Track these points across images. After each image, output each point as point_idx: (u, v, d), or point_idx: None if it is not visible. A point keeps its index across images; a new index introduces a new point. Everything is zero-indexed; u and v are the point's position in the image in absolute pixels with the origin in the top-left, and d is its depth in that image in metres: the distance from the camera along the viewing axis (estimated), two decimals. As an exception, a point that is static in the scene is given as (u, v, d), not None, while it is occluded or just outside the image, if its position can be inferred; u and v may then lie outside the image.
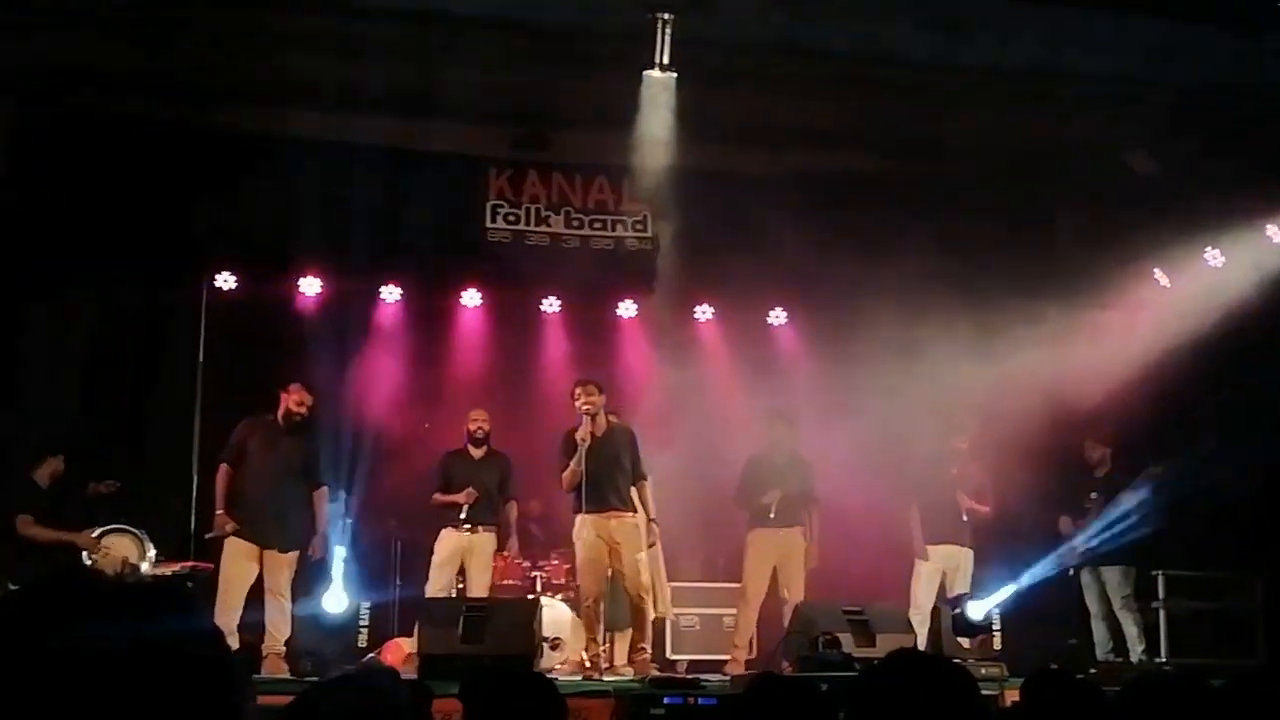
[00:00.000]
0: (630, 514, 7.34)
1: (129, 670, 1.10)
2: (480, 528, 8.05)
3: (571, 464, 7.21)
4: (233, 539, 7.49)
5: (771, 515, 8.27)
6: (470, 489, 7.97)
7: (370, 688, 1.95)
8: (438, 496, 8.10)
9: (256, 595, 7.48)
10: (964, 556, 8.44)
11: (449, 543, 8.02)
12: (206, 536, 7.65)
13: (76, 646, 1.09)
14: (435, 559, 8.03)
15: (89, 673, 1.08)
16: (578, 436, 7.21)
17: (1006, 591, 8.05)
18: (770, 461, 8.46)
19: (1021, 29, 7.63)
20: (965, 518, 8.39)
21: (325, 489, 7.80)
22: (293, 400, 7.65)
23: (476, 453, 8.23)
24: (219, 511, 7.53)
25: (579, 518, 7.29)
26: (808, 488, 8.46)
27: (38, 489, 7.58)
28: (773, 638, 8.14)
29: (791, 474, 8.41)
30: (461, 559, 8.03)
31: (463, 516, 7.94)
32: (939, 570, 8.43)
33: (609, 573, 7.35)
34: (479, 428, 8.21)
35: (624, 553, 7.24)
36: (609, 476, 7.25)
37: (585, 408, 7.28)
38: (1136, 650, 8.17)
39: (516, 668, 6.13)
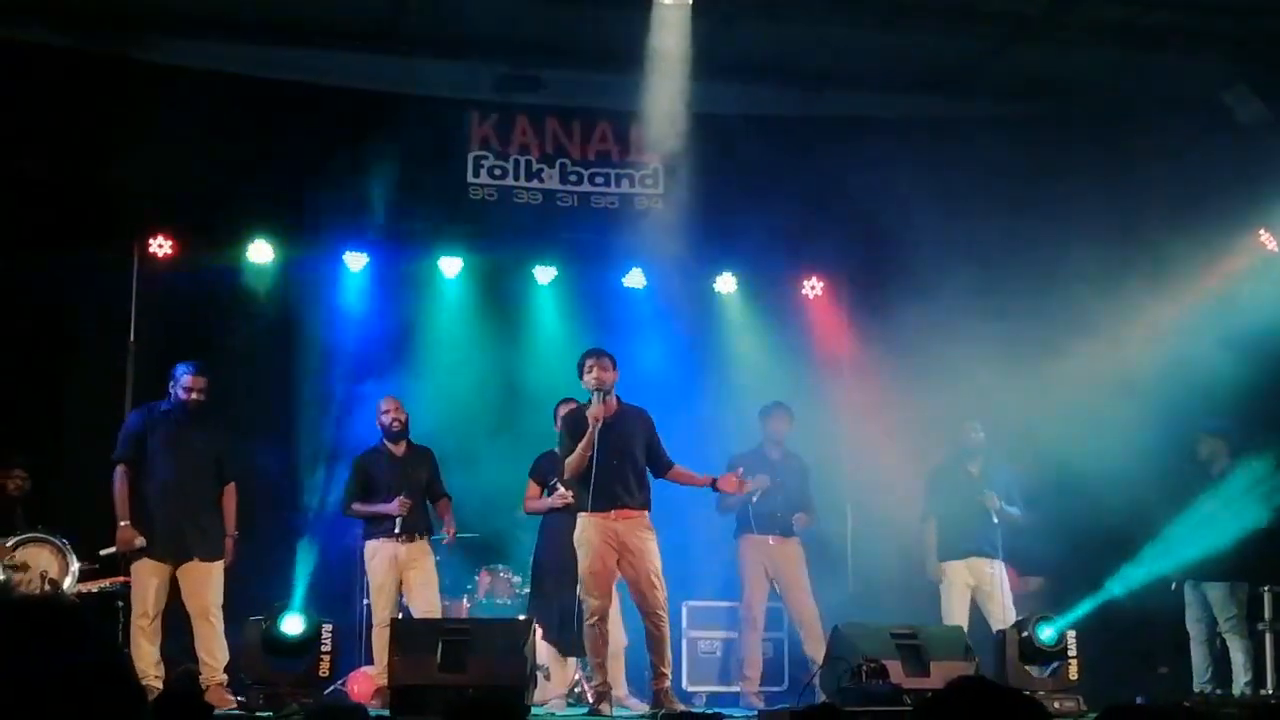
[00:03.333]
0: (641, 512, 7.23)
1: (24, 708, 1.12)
2: (417, 535, 7.96)
3: (579, 448, 7.04)
4: (142, 559, 7.37)
5: (753, 500, 8.18)
6: (402, 497, 7.88)
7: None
8: (357, 506, 8.01)
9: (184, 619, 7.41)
10: (995, 569, 8.33)
11: (382, 557, 7.91)
12: (103, 553, 7.51)
13: None
14: (373, 581, 7.93)
15: None
16: (590, 414, 7.10)
17: (1082, 610, 7.93)
18: (761, 459, 8.36)
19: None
20: (995, 520, 8.28)
21: (234, 486, 7.69)
22: (180, 388, 7.51)
23: (397, 449, 8.10)
24: (123, 523, 7.41)
25: (581, 517, 7.14)
26: (804, 493, 8.35)
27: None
28: (803, 663, 8.11)
29: (786, 475, 8.31)
30: (399, 574, 7.93)
31: (397, 530, 7.87)
32: (966, 587, 8.35)
33: (615, 583, 7.24)
34: (394, 419, 8.10)
35: (635, 560, 7.12)
36: (618, 468, 7.08)
37: (594, 383, 7.17)
38: (1241, 681, 8.05)
39: (506, 701, 6.05)
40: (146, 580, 7.35)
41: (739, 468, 7.65)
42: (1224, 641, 8.22)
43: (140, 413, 7.71)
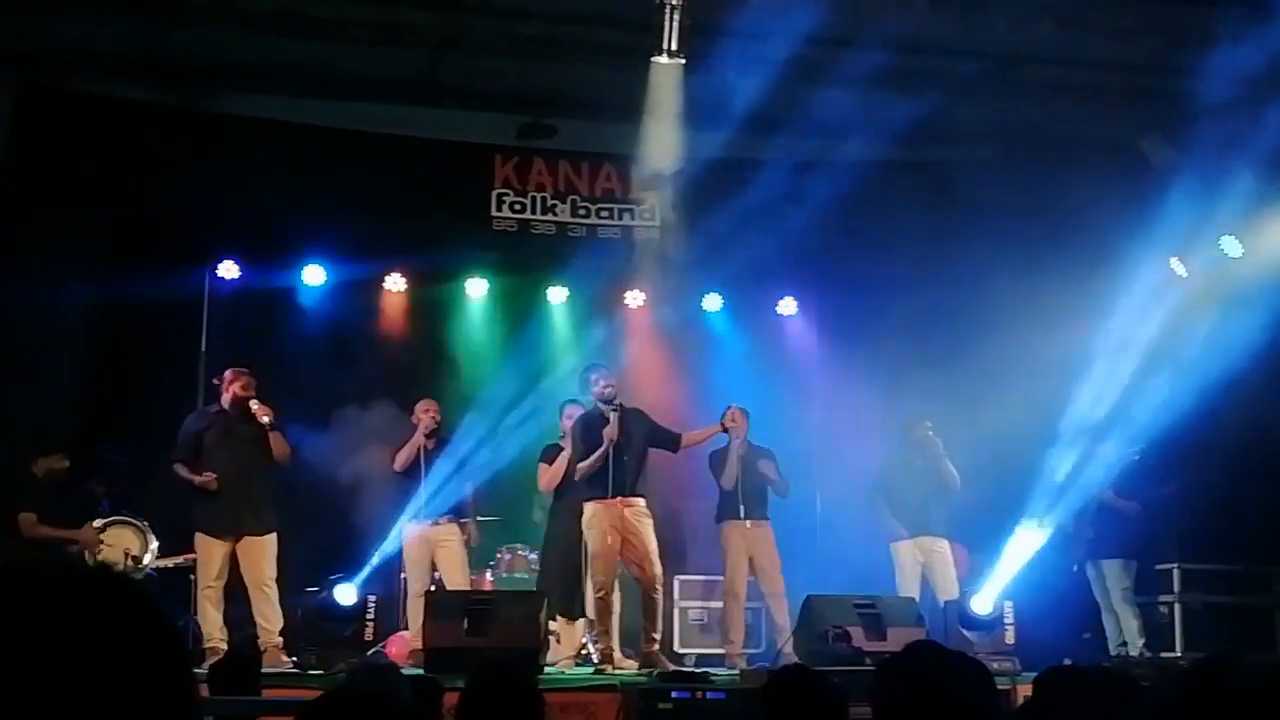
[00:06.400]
0: (642, 500, 7.32)
1: (76, 670, 1.04)
2: (442, 519, 7.96)
3: (593, 458, 7.15)
4: (202, 536, 7.43)
5: (738, 440, 8.16)
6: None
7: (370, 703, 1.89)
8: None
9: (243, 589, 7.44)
10: (939, 547, 8.35)
11: (414, 539, 7.92)
12: (197, 481, 7.42)
13: (16, 645, 1.03)
14: (409, 558, 7.96)
15: (30, 672, 1.03)
16: (606, 434, 7.13)
17: (1004, 580, 7.98)
18: (731, 455, 8.40)
19: (1038, 13, 7.60)
20: (946, 489, 8.31)
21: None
22: (237, 386, 7.53)
23: (429, 443, 8.10)
24: (197, 479, 7.40)
25: (589, 505, 7.24)
26: (772, 477, 8.42)
27: (38, 485, 7.57)
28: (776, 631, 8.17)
29: (753, 466, 8.38)
30: (431, 554, 7.97)
31: (420, 515, 7.86)
32: (918, 563, 8.36)
33: (619, 562, 7.31)
34: (433, 418, 8.09)
35: (636, 541, 7.19)
36: (625, 463, 7.19)
37: (608, 391, 7.23)
38: (1136, 644, 8.17)
39: (522, 661, 6.14)
40: (206, 555, 7.39)
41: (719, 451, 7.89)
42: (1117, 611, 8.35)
43: (192, 416, 7.72)
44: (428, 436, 8.06)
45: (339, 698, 1.89)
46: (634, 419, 7.39)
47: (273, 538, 7.50)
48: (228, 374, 7.61)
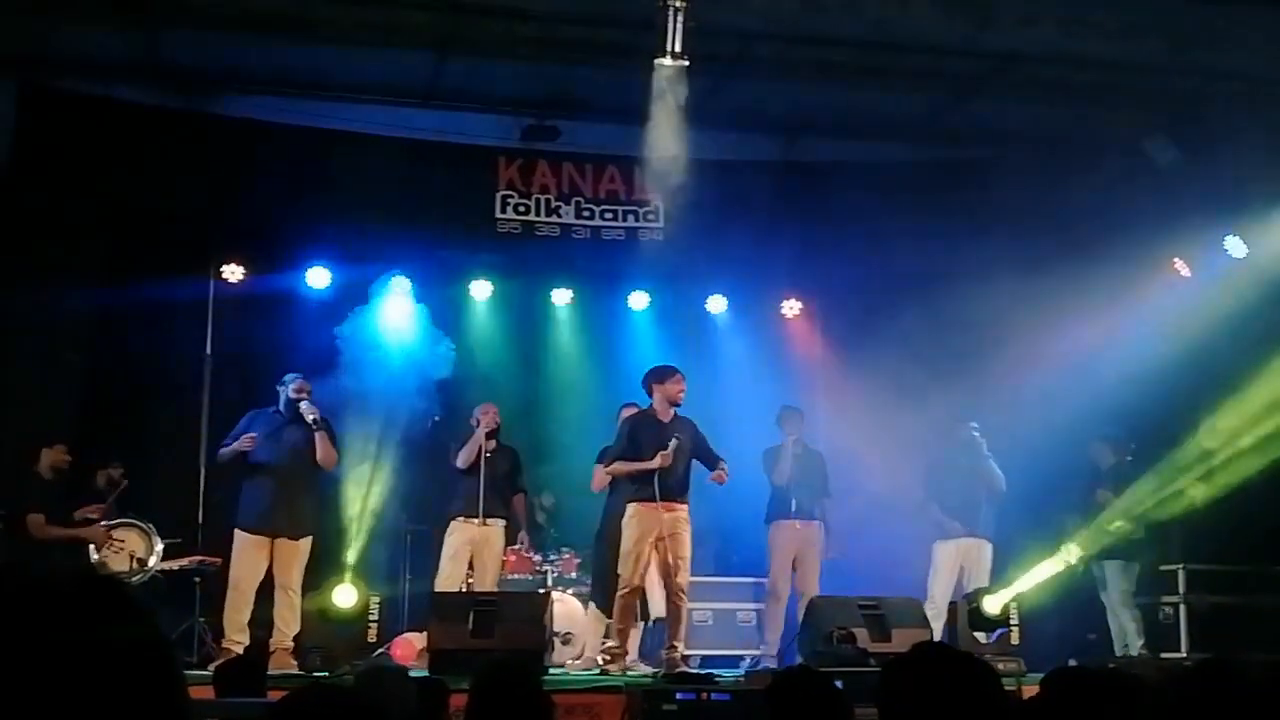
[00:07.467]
0: (685, 505, 7.31)
1: (63, 675, 1.05)
2: (490, 520, 8.04)
3: (655, 462, 7.10)
4: (241, 533, 7.48)
5: (792, 441, 8.18)
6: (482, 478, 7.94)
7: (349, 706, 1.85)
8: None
9: (266, 590, 7.48)
10: (982, 549, 8.39)
11: (459, 535, 8.03)
12: (239, 445, 7.50)
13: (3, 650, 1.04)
14: (446, 551, 8.04)
15: (18, 677, 1.04)
16: (660, 458, 7.12)
17: (1020, 585, 8.00)
18: (785, 454, 8.44)
19: (1040, 14, 7.60)
20: (992, 489, 8.31)
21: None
22: (292, 389, 7.64)
23: (487, 445, 8.23)
24: (238, 445, 7.46)
25: (631, 505, 7.22)
26: (822, 480, 8.44)
27: (44, 484, 7.58)
28: (789, 632, 8.17)
29: (806, 466, 8.39)
30: (471, 552, 8.03)
31: (464, 509, 7.93)
32: (957, 564, 8.40)
33: (649, 565, 7.27)
34: (492, 420, 8.20)
35: (670, 545, 7.15)
36: (671, 468, 7.18)
37: (682, 398, 7.28)
38: (1135, 645, 8.15)
39: (527, 663, 6.14)
40: (243, 551, 7.43)
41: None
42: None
43: (249, 415, 7.77)
44: (488, 437, 8.09)
45: (314, 696, 1.86)
46: (683, 426, 7.40)
47: (306, 543, 7.55)
48: (287, 377, 7.70)
